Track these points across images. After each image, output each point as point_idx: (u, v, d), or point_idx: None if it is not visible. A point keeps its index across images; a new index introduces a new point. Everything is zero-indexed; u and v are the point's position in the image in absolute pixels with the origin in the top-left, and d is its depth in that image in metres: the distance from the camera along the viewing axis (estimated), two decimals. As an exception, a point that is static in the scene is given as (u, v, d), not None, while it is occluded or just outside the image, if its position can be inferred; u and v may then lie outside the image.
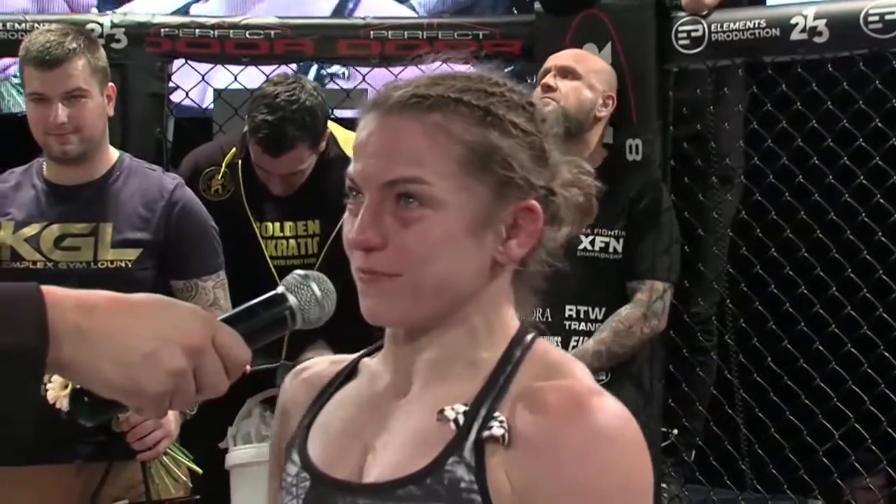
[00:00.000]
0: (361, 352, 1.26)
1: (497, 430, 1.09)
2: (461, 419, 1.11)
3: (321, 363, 1.29)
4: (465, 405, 1.12)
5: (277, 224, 3.00)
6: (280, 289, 1.11)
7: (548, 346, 1.18)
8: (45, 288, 0.96)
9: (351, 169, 1.16)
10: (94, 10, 4.81)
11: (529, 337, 1.17)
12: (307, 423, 1.22)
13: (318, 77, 4.44)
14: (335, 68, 4.41)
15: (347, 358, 1.26)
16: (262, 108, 2.85)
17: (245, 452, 2.78)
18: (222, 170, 3.00)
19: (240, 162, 3.01)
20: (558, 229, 1.19)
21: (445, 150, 1.12)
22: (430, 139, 1.12)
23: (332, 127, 3.03)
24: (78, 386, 1.02)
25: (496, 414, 1.11)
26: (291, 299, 1.10)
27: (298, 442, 1.21)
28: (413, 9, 4.94)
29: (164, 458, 2.58)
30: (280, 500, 1.21)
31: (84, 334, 0.96)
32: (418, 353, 1.17)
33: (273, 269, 2.96)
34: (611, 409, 1.09)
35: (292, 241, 3.00)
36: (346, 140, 3.06)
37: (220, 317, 1.05)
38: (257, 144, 2.88)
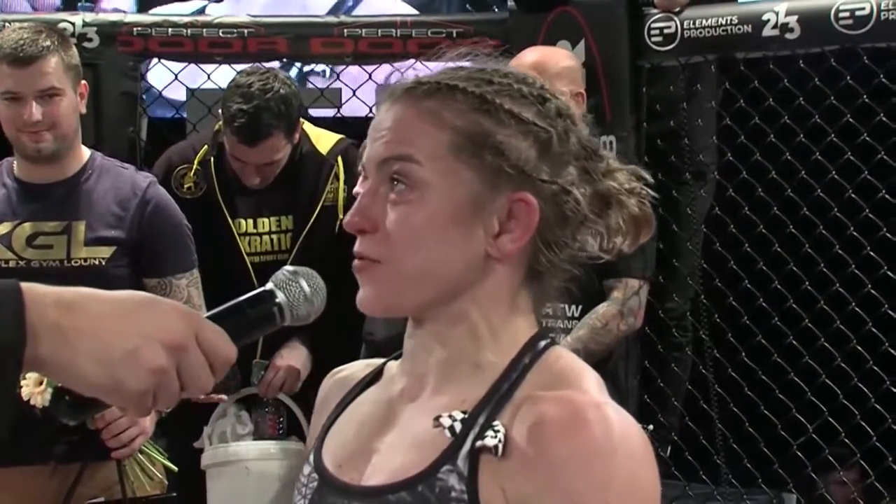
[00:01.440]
0: (390, 356, 1.25)
1: (490, 440, 1.07)
2: (458, 426, 1.09)
3: (357, 366, 1.28)
4: (465, 412, 1.10)
5: (251, 220, 3.00)
6: (269, 285, 1.10)
7: (560, 354, 1.14)
8: (25, 285, 0.95)
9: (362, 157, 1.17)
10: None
11: (542, 343, 1.14)
12: (328, 424, 1.22)
13: (300, 76, 4.45)
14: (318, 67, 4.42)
15: (380, 361, 1.26)
16: (237, 98, 2.86)
17: (220, 452, 2.78)
18: (194, 167, 3.00)
19: (212, 159, 3.01)
20: (605, 245, 1.16)
21: (436, 134, 1.12)
22: (422, 122, 1.12)
23: (305, 124, 3.04)
24: (59, 384, 1.01)
25: (494, 423, 1.08)
26: (280, 296, 1.09)
27: (316, 443, 1.21)
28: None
29: (140, 455, 2.57)
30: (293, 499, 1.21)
31: (64, 331, 0.95)
32: (427, 353, 1.16)
33: (249, 265, 2.96)
34: (611, 420, 1.05)
35: (266, 237, 3.00)
36: (318, 136, 3.06)
37: (207, 314, 1.04)
38: (234, 134, 2.87)
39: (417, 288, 1.12)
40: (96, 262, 2.59)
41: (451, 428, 1.09)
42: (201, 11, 4.75)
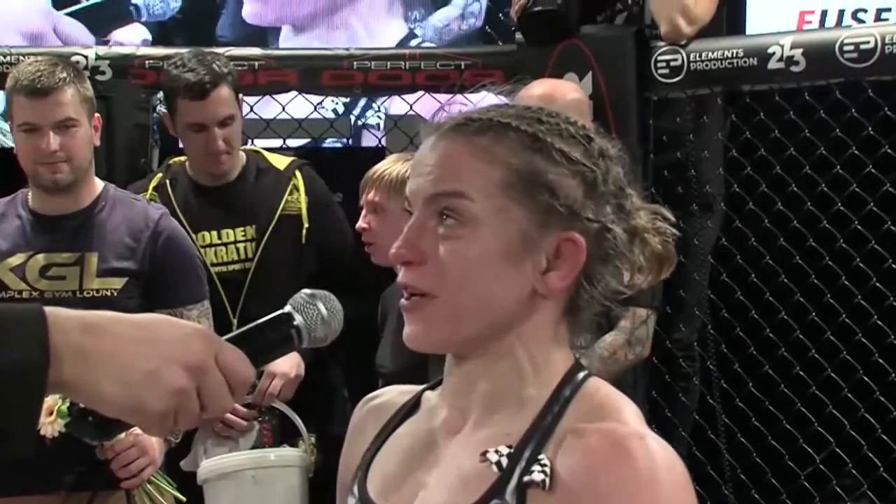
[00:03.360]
0: (427, 385, 1.26)
1: (538, 475, 1.08)
2: (504, 461, 1.10)
3: (391, 392, 1.29)
4: (510, 447, 1.11)
5: (215, 232, 3.08)
6: (287, 308, 1.11)
7: (599, 385, 1.16)
8: (49, 309, 0.97)
9: (407, 189, 1.18)
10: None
11: (581, 375, 1.16)
12: (370, 457, 1.23)
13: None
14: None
15: (415, 389, 1.27)
16: (176, 68, 3.01)
17: (221, 463, 2.74)
18: (149, 193, 3.08)
19: (168, 182, 3.12)
20: (629, 281, 1.17)
21: (488, 171, 1.13)
22: (474, 159, 1.13)
23: (260, 149, 3.23)
24: (82, 405, 1.02)
25: (540, 457, 1.09)
26: (298, 318, 1.10)
27: (360, 474, 1.22)
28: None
29: (149, 486, 2.58)
30: None
31: (86, 354, 0.97)
32: (471, 387, 1.17)
33: (214, 275, 3.01)
34: (654, 451, 1.07)
35: (231, 247, 3.08)
36: (273, 157, 3.20)
37: (226, 336, 1.06)
38: (185, 97, 2.98)
39: (470, 323, 1.14)
40: (108, 294, 2.62)
41: (498, 463, 1.11)
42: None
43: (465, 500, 1.11)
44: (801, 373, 3.24)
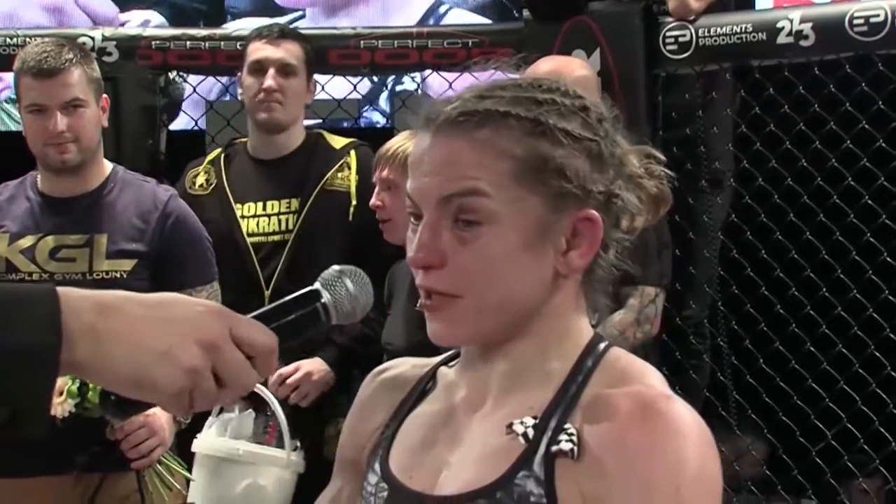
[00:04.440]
0: (440, 358, 1.25)
1: (566, 444, 1.09)
2: (530, 433, 1.11)
3: (403, 365, 1.28)
4: (535, 418, 1.11)
5: (260, 203, 3.13)
6: (315, 285, 1.11)
7: (620, 354, 1.16)
8: (61, 289, 0.96)
9: (408, 187, 1.16)
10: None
11: (602, 345, 1.16)
12: (390, 433, 1.22)
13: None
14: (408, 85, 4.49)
15: (429, 362, 1.26)
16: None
17: (208, 443, 2.72)
18: (204, 165, 3.19)
19: (223, 156, 3.20)
20: (627, 226, 1.17)
21: (497, 165, 1.11)
22: (480, 154, 1.11)
23: (323, 131, 3.27)
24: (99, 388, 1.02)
25: (566, 426, 1.10)
26: (325, 295, 1.10)
27: (381, 452, 1.21)
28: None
29: (159, 466, 2.58)
30: None
31: (98, 334, 0.96)
32: (492, 366, 1.16)
33: (250, 245, 3.08)
34: (681, 410, 1.08)
35: (273, 218, 3.11)
36: (333, 137, 3.23)
37: (252, 314, 1.05)
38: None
39: (497, 318, 1.14)
40: (118, 275, 2.62)
41: (525, 434, 1.11)
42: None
43: (492, 474, 1.11)
44: (812, 348, 3.24)
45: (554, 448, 1.09)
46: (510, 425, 1.11)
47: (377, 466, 1.21)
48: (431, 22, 4.74)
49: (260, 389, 2.68)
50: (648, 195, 1.19)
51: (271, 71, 3.09)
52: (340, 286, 1.11)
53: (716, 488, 1.08)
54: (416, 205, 1.15)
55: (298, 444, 2.79)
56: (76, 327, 0.95)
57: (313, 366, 2.98)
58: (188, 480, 2.68)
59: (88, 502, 2.57)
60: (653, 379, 1.13)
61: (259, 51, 3.12)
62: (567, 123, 1.13)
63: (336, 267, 1.12)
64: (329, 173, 3.11)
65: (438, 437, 1.18)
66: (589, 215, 1.13)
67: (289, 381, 2.95)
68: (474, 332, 1.15)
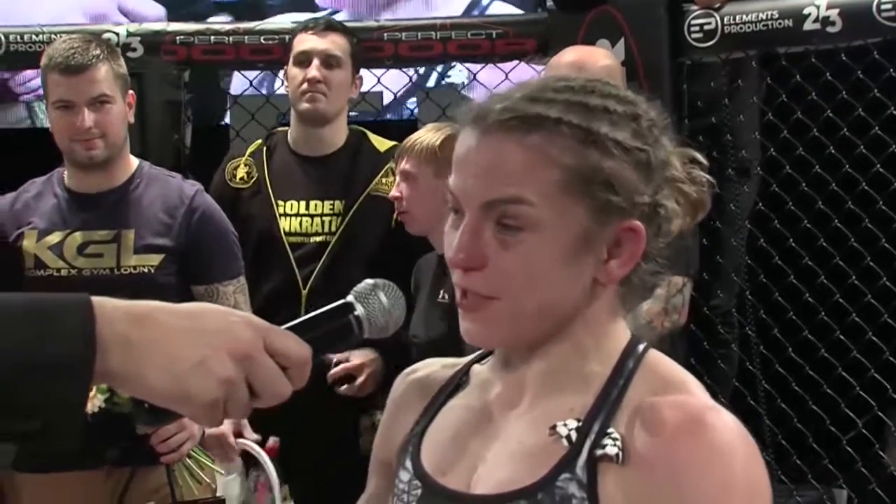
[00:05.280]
0: (471, 357, 1.25)
1: (611, 448, 1.08)
2: (574, 435, 1.10)
3: (433, 365, 1.28)
4: (578, 420, 1.11)
5: (303, 202, 3.10)
6: (349, 297, 1.11)
7: (659, 358, 1.16)
8: (96, 299, 0.96)
9: (451, 183, 1.14)
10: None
11: (641, 347, 1.15)
12: (420, 430, 1.22)
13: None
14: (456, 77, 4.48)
15: (459, 362, 1.26)
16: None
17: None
18: (245, 158, 3.16)
19: (265, 149, 3.16)
20: (664, 230, 1.16)
21: (545, 173, 1.10)
22: (529, 161, 1.10)
23: (366, 130, 3.23)
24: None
25: (609, 430, 1.09)
26: (359, 308, 1.10)
27: (412, 449, 1.21)
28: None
29: (188, 460, 2.59)
30: None
31: (132, 345, 0.96)
32: (529, 365, 1.16)
33: (288, 245, 3.05)
34: (728, 424, 1.07)
35: (317, 219, 3.09)
36: (377, 139, 3.20)
37: (285, 325, 1.04)
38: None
39: (531, 322, 1.13)
40: (146, 270, 2.63)
41: (568, 437, 1.10)
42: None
43: (532, 474, 1.10)
44: (842, 337, 3.22)
45: (598, 452, 1.08)
46: (553, 427, 1.10)
47: (408, 463, 1.20)
48: (475, 13, 4.71)
49: (249, 446, 2.62)
50: (688, 200, 1.17)
51: (316, 62, 3.07)
52: (374, 300, 1.11)
53: (766, 497, 1.07)
54: (457, 201, 1.14)
55: (288, 493, 2.75)
56: (110, 337, 0.95)
57: (360, 357, 2.96)
58: (217, 474, 2.69)
59: (119, 497, 2.58)
60: (695, 387, 1.12)
61: (305, 42, 3.11)
62: (619, 133, 1.12)
63: (370, 280, 1.12)
64: (376, 179, 3.09)
65: (471, 434, 1.17)
66: (633, 226, 1.12)
67: (347, 365, 2.92)
68: (507, 335, 1.14)
